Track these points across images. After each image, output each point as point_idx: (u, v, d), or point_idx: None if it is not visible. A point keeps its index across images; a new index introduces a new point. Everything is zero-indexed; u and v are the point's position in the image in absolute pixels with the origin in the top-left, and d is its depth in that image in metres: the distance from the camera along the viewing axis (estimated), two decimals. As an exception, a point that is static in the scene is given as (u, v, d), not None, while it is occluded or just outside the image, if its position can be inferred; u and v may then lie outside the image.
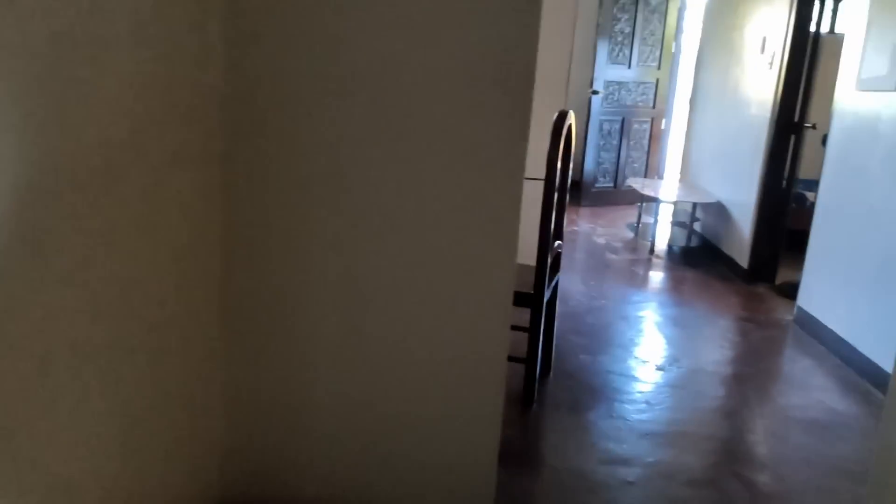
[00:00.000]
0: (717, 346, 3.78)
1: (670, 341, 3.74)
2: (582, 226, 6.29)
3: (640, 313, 4.14)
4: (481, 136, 1.73)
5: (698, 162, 6.13)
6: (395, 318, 1.86)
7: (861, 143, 3.62)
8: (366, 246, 1.83)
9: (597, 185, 7.18)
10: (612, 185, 7.25)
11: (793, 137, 4.71)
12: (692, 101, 6.45)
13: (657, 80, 7.24)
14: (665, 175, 7.86)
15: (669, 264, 5.29)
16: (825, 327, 3.79)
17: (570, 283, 4.59)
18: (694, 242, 5.63)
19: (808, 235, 5.28)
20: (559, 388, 3.11)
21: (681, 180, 6.52)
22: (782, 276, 4.86)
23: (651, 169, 7.43)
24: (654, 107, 7.30)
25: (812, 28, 4.55)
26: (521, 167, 1.74)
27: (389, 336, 1.88)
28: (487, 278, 1.82)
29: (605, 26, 6.82)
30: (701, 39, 6.34)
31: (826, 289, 3.87)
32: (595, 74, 6.88)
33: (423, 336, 1.87)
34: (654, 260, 5.35)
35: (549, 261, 2.90)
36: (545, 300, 2.84)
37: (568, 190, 3.17)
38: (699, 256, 5.50)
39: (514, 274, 1.83)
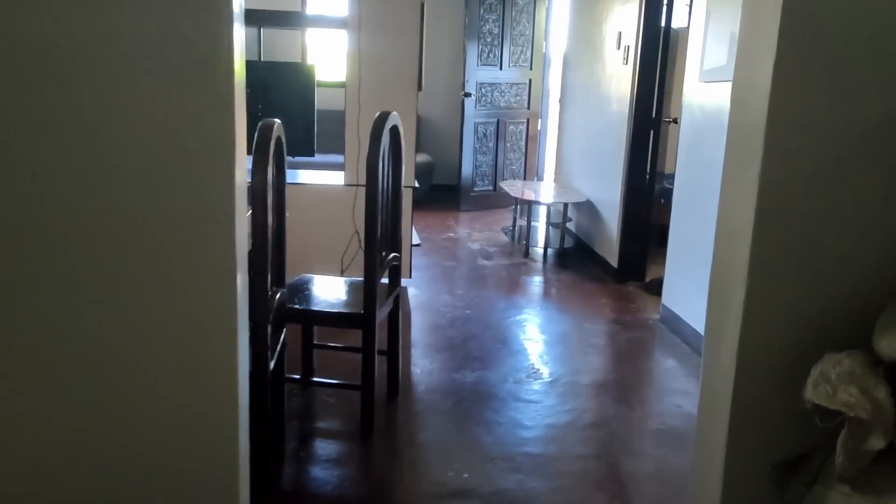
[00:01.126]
0: (582, 353, 3.64)
1: (534, 351, 3.58)
2: (459, 232, 6.12)
3: (507, 322, 3.97)
4: (179, 140, 1.47)
5: (570, 161, 6.06)
6: (100, 349, 1.58)
7: (708, 136, 3.56)
8: (52, 259, 1.54)
9: (475, 189, 7.04)
10: (491, 188, 7.13)
11: (651, 133, 4.66)
12: (562, 101, 6.39)
13: (530, 81, 7.17)
14: (544, 175, 7.81)
15: (543, 267, 5.18)
16: (687, 325, 3.72)
17: (436, 294, 4.39)
18: (568, 243, 5.54)
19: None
20: (405, 413, 2.88)
21: (555, 181, 6.45)
22: (652, 273, 4.81)
23: (530, 170, 7.36)
24: (528, 108, 7.22)
25: (662, 22, 4.52)
26: (231, 175, 1.49)
27: (92, 365, 1.59)
28: (201, 306, 1.55)
29: (472, 27, 6.69)
30: (567, 38, 6.29)
31: (686, 285, 3.81)
32: (466, 76, 6.74)
33: (131, 369, 1.58)
34: (529, 263, 5.22)
35: (381, 274, 2.67)
36: (378, 319, 2.61)
37: (401, 195, 2.95)
38: (573, 257, 5.41)
39: (235, 298, 1.56)
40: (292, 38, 7.39)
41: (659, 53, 4.55)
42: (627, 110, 4.66)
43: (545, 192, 5.78)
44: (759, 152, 1.55)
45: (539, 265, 5.21)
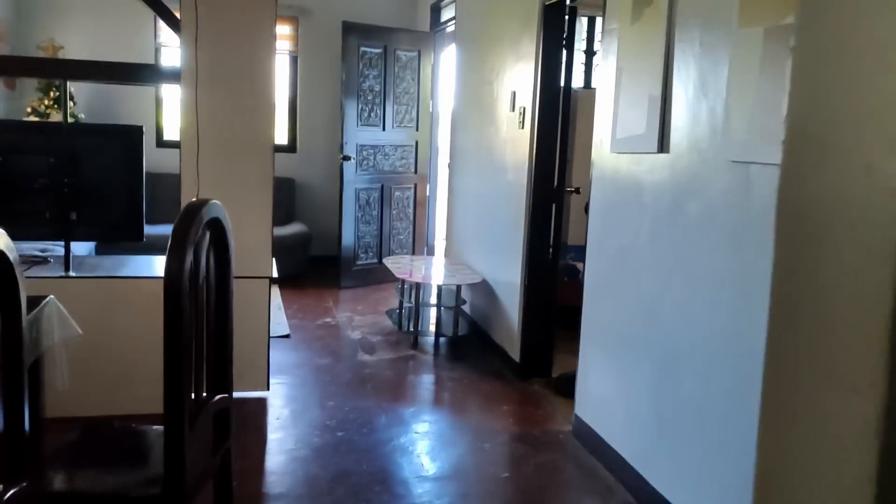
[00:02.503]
0: (483, 493, 2.89)
1: (423, 493, 2.80)
2: (339, 315, 5.31)
3: (390, 447, 3.18)
4: None
5: (462, 233, 5.41)
6: None
7: (624, 215, 2.96)
8: None
9: (358, 263, 6.26)
10: (375, 261, 6.37)
11: (553, 205, 4.06)
12: (451, 166, 5.76)
13: (416, 143, 6.53)
14: (435, 246, 7.14)
15: (434, 361, 4.43)
16: (607, 445, 3.05)
17: (303, 409, 3.55)
18: (463, 330, 4.83)
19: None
20: None
21: (447, 255, 5.77)
22: (560, 365, 4.16)
23: (419, 239, 6.67)
24: (415, 171, 6.57)
25: (562, 82, 3.96)
26: None
27: None
28: None
29: (351, 84, 6.00)
30: (455, 97, 5.70)
31: (602, 392, 3.15)
32: (345, 138, 6.02)
33: None
34: (418, 356, 4.46)
35: (191, 426, 1.83)
36: (192, 499, 1.76)
37: (231, 309, 2.13)
38: (469, 347, 4.70)
39: None
40: (146, 95, 6.48)
41: (559, 117, 3.98)
42: (526, 179, 4.04)
43: (435, 270, 5.07)
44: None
45: (429, 358, 4.46)
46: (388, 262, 5.15)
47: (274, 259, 3.71)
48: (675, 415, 2.58)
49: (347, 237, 6.16)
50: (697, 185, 2.47)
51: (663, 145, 2.66)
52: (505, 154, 4.41)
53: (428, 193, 6.79)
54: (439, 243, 7.29)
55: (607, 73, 3.13)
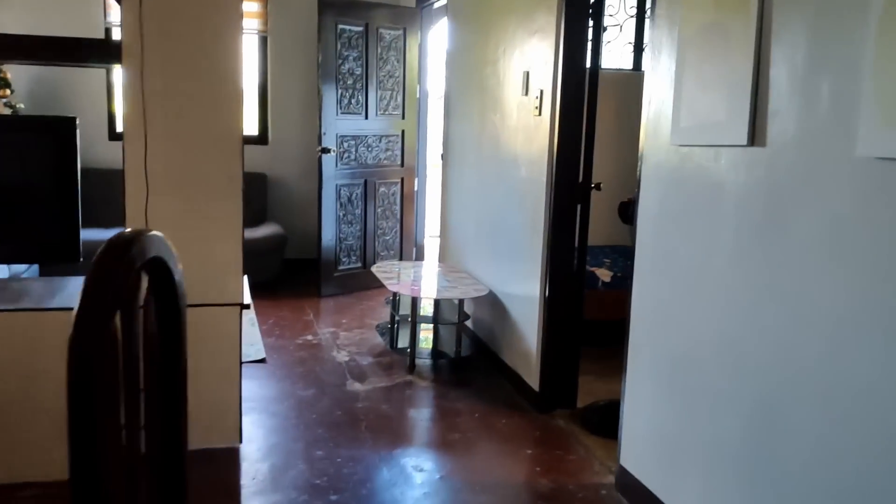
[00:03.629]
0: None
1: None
2: (321, 331, 4.64)
3: (394, 515, 2.54)
4: None
5: (460, 236, 4.76)
6: None
7: (693, 224, 2.34)
8: None
9: (340, 268, 5.59)
10: (360, 265, 5.70)
11: (579, 207, 3.43)
12: (445, 158, 5.11)
13: (403, 132, 5.86)
14: (425, 247, 6.49)
15: (437, 390, 3.79)
16: (671, 511, 2.44)
17: (284, 462, 2.89)
18: (466, 349, 4.20)
19: (605, 327, 4.06)
20: None
21: (442, 260, 5.13)
22: (585, 391, 3.55)
23: (407, 239, 6.01)
24: (402, 164, 5.90)
25: (588, 61, 3.33)
26: None
27: None
28: None
29: (328, 67, 5.31)
30: (447, 80, 5.04)
31: (658, 440, 2.54)
32: (323, 128, 5.34)
33: None
34: (416, 384, 3.82)
35: None
36: None
37: (184, 391, 1.47)
38: (476, 371, 4.07)
39: None
40: (95, 81, 5.73)
41: (585, 103, 3.35)
42: (546, 175, 3.41)
43: (432, 279, 4.43)
44: None
45: (430, 386, 3.82)
46: (377, 270, 4.49)
47: (246, 277, 3.04)
48: (773, 486, 1.97)
49: (328, 239, 5.49)
50: (812, 188, 1.85)
51: (755, 136, 2.04)
52: (516, 145, 3.77)
53: (416, 188, 6.14)
54: (429, 243, 6.64)
55: (661, 44, 2.50)
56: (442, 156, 5.17)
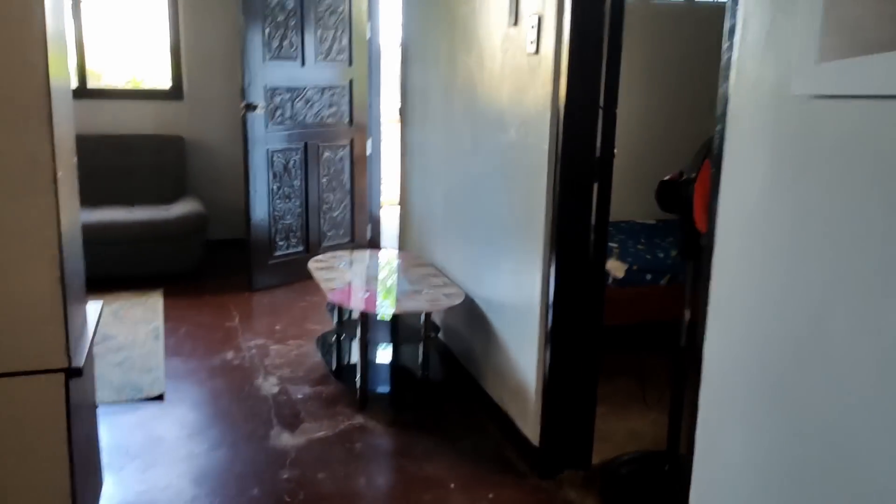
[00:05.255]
0: None
1: None
2: (246, 342, 3.57)
3: None
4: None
5: (425, 219, 3.69)
6: None
7: (836, 217, 1.30)
8: None
9: (276, 254, 4.49)
10: (301, 249, 4.61)
11: (596, 185, 2.38)
12: (403, 115, 4.01)
13: (350, 82, 4.72)
14: (382, 222, 5.39)
15: (396, 439, 2.76)
16: None
17: None
18: (436, 370, 3.17)
19: (616, 334, 3.08)
20: None
21: (402, 247, 4.06)
22: (600, 436, 2.56)
23: (360, 213, 4.91)
24: (350, 122, 4.77)
25: (610, -32, 2.25)
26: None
27: None
28: None
29: (253, 3, 4.13)
30: (404, 13, 3.90)
31: None
32: (248, 78, 4.17)
33: None
34: (368, 432, 2.78)
35: None
36: None
37: None
38: (449, 402, 3.04)
39: None
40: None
41: (605, 40, 2.28)
42: (548, 139, 2.35)
43: (386, 280, 3.36)
44: None
45: (386, 433, 2.79)
46: (315, 266, 3.40)
47: (98, 308, 1.96)
48: None
49: (259, 219, 4.37)
50: None
51: None
52: (501, 98, 2.69)
53: (370, 151, 5.02)
54: (388, 214, 5.55)
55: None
56: (399, 111, 4.06)
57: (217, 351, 3.47)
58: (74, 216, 1.87)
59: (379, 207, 5.35)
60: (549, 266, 2.42)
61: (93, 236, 4.38)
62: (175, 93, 5.04)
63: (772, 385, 1.43)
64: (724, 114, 1.59)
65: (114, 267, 4.30)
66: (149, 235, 4.37)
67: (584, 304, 2.44)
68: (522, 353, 2.61)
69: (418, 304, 2.89)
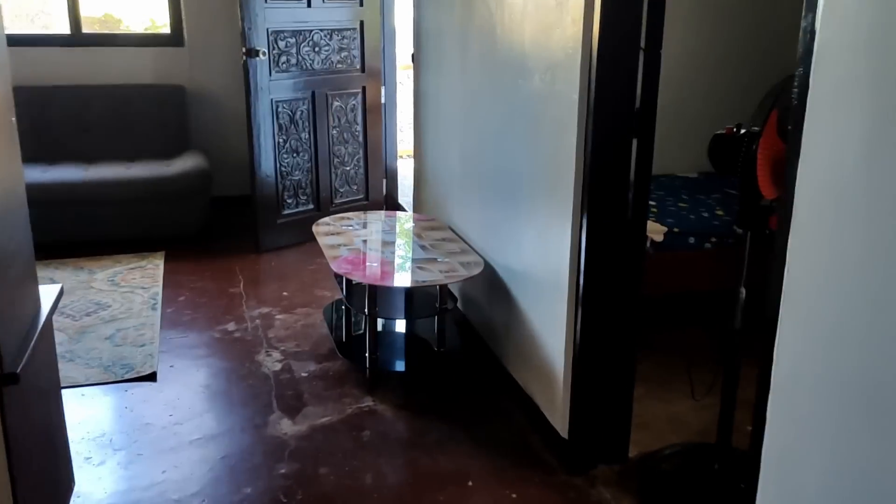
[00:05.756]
0: None
1: None
2: (249, 313, 3.31)
3: None
4: None
5: (441, 177, 3.36)
6: None
7: None
8: None
9: (284, 213, 4.19)
10: (311, 207, 4.31)
11: (636, 141, 2.03)
12: (416, 61, 3.64)
13: (362, 24, 4.33)
14: (399, 174, 5.05)
15: (408, 425, 2.49)
16: None
17: None
18: (453, 346, 2.88)
19: (654, 305, 2.76)
20: None
21: (416, 209, 3.74)
22: (637, 422, 2.27)
23: (374, 166, 4.58)
24: (362, 68, 4.40)
25: None
26: None
27: None
28: None
29: (250, -68, 3.74)
30: (418, -55, 3.50)
31: None
32: (248, 22, 3.82)
33: None
34: (378, 418, 2.51)
35: None
36: None
37: None
38: (467, 386, 2.76)
39: None
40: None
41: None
42: (578, 88, 2.00)
43: (398, 247, 3.05)
44: None
45: (397, 418, 2.51)
46: (320, 230, 3.09)
47: (55, 293, 1.69)
48: None
49: (265, 175, 4.07)
50: None
51: None
52: (523, 39, 2.32)
53: (383, 100, 4.65)
54: (406, 171, 5.21)
55: None
56: (413, 57, 3.69)
57: (218, 321, 3.21)
58: (12, 183, 1.57)
59: (395, 159, 5.00)
60: (580, 230, 2.09)
61: (88, 196, 4.15)
62: (175, 38, 4.69)
63: (869, 399, 1.11)
64: (808, 53, 1.23)
65: (112, 229, 4.05)
66: (148, 194, 4.08)
67: (619, 273, 2.12)
68: (549, 329, 2.30)
69: (433, 276, 2.58)
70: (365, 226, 3.21)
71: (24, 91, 4.32)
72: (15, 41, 4.54)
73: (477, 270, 2.62)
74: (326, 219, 3.31)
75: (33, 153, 4.22)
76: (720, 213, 3.10)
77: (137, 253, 3.96)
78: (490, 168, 2.72)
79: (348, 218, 3.32)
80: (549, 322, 2.31)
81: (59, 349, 2.89)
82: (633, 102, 1.99)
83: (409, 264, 2.73)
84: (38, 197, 4.03)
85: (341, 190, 4.44)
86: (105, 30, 5.39)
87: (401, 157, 5.16)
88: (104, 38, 4.68)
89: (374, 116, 4.53)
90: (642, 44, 1.96)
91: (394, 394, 2.64)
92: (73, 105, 4.39)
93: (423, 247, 2.88)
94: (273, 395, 2.61)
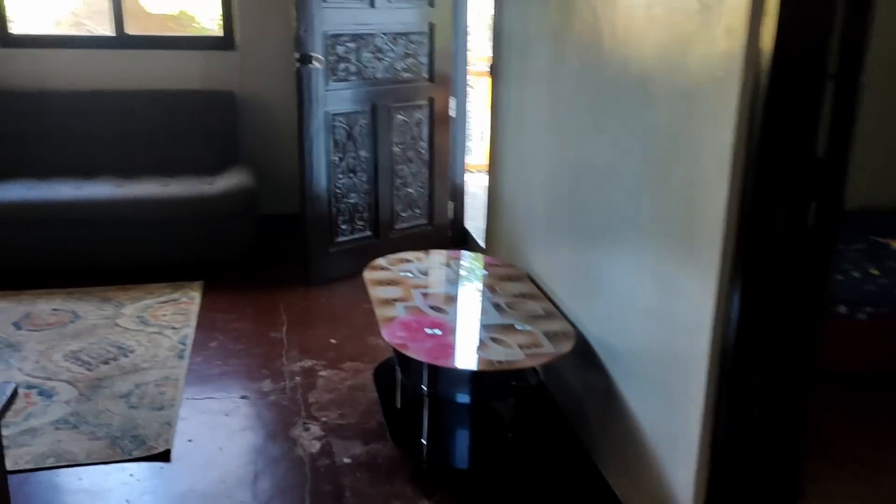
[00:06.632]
0: None
1: None
2: (288, 367, 2.81)
3: None
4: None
5: (520, 214, 2.79)
6: None
7: None
8: None
9: (338, 240, 3.69)
10: (369, 234, 3.80)
11: (814, 206, 1.43)
12: (495, 72, 3.09)
13: (431, 27, 3.80)
14: (468, 200, 4.49)
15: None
16: None
17: None
18: (532, 437, 2.31)
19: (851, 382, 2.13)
20: None
21: (489, 249, 3.18)
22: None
23: (440, 188, 4.04)
24: (430, 78, 3.87)
25: None
26: None
27: None
28: None
29: (308, -79, 3.25)
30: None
31: None
32: (304, 24, 3.33)
33: None
34: (436, 523, 1.97)
35: None
36: None
37: None
38: (549, 485, 2.19)
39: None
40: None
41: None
42: (732, 130, 1.41)
43: (464, 307, 2.49)
44: None
45: (464, 531, 1.97)
46: (372, 277, 2.57)
47: (8, 392, 1.18)
48: None
49: (317, 197, 3.58)
50: None
51: None
52: (643, 54, 1.75)
53: (453, 112, 4.11)
54: (473, 185, 4.65)
55: None
56: (491, 68, 3.14)
57: (252, 377, 2.73)
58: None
59: (463, 179, 4.44)
60: (729, 305, 1.51)
61: (121, 216, 3.68)
62: (226, 41, 4.25)
63: None
64: None
65: (146, 253, 3.62)
66: (189, 215, 3.64)
67: (791, 364, 1.52)
68: (666, 429, 1.72)
69: (509, 354, 2.02)
70: (427, 273, 2.67)
71: (62, 97, 3.96)
72: (54, 43, 4.24)
73: (567, 347, 2.05)
74: (381, 260, 2.79)
75: (67, 166, 3.84)
76: (875, 272, 2.45)
77: (173, 282, 3.52)
78: (590, 211, 2.15)
79: (407, 260, 2.78)
80: (667, 419, 1.73)
81: (65, 410, 2.46)
82: (813, 148, 1.39)
83: (479, 334, 2.17)
84: (68, 216, 3.68)
85: (403, 214, 3.92)
86: (178, 28, 5.09)
87: (468, 171, 4.60)
88: (149, 41, 4.27)
89: (442, 131, 3.99)
90: (831, 67, 1.36)
91: (454, 499, 2.09)
92: (114, 112, 3.99)
93: (497, 306, 2.33)
94: (307, 492, 2.10)
